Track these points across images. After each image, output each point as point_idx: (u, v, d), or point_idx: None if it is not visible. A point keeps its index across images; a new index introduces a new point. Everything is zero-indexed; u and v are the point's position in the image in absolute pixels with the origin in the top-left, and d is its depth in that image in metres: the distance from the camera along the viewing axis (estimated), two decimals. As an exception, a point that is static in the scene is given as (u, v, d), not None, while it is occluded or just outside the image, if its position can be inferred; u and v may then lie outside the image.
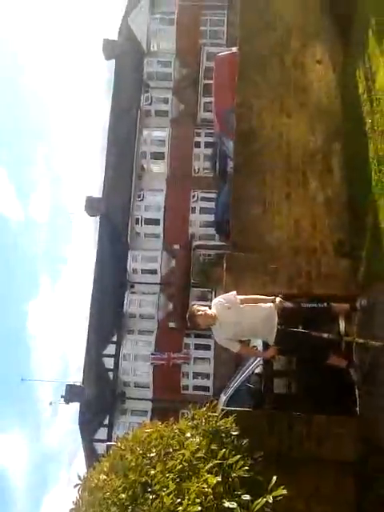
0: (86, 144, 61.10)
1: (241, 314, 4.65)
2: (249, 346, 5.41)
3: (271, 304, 4.69)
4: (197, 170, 21.06)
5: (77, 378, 21.04)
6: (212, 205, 19.31)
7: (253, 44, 6.96)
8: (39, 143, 64.36)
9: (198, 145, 21.20)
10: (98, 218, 21.62)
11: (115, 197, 21.00)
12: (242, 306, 4.68)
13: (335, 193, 6.09)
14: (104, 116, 23.51)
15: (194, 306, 4.89)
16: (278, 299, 4.71)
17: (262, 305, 4.70)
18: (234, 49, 10.45)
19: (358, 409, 5.29)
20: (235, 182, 6.64)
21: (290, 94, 6.61)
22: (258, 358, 6.86)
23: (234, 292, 4.79)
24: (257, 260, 5.97)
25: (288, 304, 4.75)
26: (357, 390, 5.35)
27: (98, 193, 22.07)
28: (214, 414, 4.60)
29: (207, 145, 20.86)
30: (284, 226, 6.08)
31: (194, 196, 20.63)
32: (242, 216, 6.25)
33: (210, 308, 4.81)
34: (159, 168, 21.61)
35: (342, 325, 4.98)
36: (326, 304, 4.85)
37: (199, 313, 4.69)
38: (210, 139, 20.45)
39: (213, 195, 19.51)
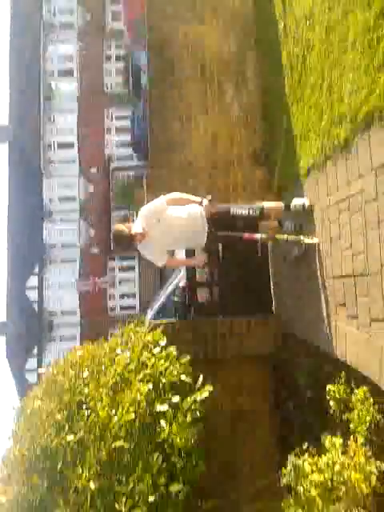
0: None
1: (170, 224, 4.20)
2: (173, 257, 4.94)
3: (200, 207, 4.27)
4: (109, 87, 19.91)
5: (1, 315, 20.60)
6: (128, 123, 18.56)
7: None
8: None
9: (108, 58, 19.86)
10: (6, 145, 20.21)
11: (24, 122, 19.60)
12: (169, 213, 4.21)
13: (250, 102, 6.07)
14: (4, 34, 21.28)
15: (120, 226, 4.25)
16: (205, 201, 4.25)
17: (191, 211, 4.26)
18: None
19: (273, 308, 5.71)
20: (151, 96, 6.39)
21: (202, -3, 6.32)
22: (182, 273, 7.03)
23: (161, 197, 4.23)
24: (177, 177, 5.96)
25: (220, 206, 4.35)
26: (272, 291, 5.74)
27: (5, 120, 20.50)
28: (142, 329, 4.73)
29: (118, 58, 19.65)
30: (202, 140, 6.05)
31: (108, 115, 19.68)
32: (160, 132, 6.13)
33: (136, 221, 4.24)
34: (69, 87, 20.22)
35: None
36: (258, 212, 4.41)
37: (126, 232, 4.13)
38: (122, 52, 19.28)
39: (128, 113, 18.70)
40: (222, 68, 6.12)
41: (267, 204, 4.51)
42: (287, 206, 4.57)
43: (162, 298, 7.80)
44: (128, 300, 19.59)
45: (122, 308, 19.46)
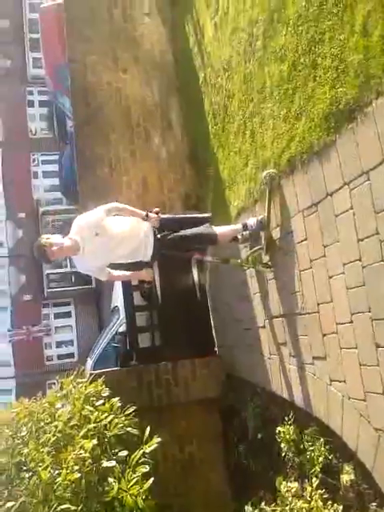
0: None
1: (111, 238, 3.82)
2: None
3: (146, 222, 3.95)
4: (34, 132, 19.78)
5: None
6: (55, 167, 18.44)
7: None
8: None
9: (31, 104, 19.83)
10: None
11: None
12: (109, 226, 3.83)
13: (177, 147, 6.21)
14: None
15: (44, 238, 3.75)
16: (151, 215, 3.95)
17: (134, 224, 3.93)
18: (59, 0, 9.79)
19: (216, 349, 5.71)
20: (78, 142, 6.40)
21: (123, 48, 6.46)
22: (121, 317, 6.91)
23: (100, 208, 3.86)
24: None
25: (165, 216, 4.08)
26: (214, 332, 5.75)
27: None
28: (83, 380, 4.58)
29: (42, 104, 19.62)
30: (132, 184, 6.08)
31: (34, 160, 19.46)
32: (89, 177, 6.10)
33: (70, 233, 3.84)
34: (-10, 133, 19.85)
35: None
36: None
37: (51, 246, 3.67)
38: (45, 98, 19.29)
39: (55, 157, 18.60)
40: (146, 115, 6.24)
41: (219, 229, 4.12)
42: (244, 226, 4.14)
43: (101, 345, 7.61)
44: (66, 348, 18.93)
45: (59, 357, 18.74)
